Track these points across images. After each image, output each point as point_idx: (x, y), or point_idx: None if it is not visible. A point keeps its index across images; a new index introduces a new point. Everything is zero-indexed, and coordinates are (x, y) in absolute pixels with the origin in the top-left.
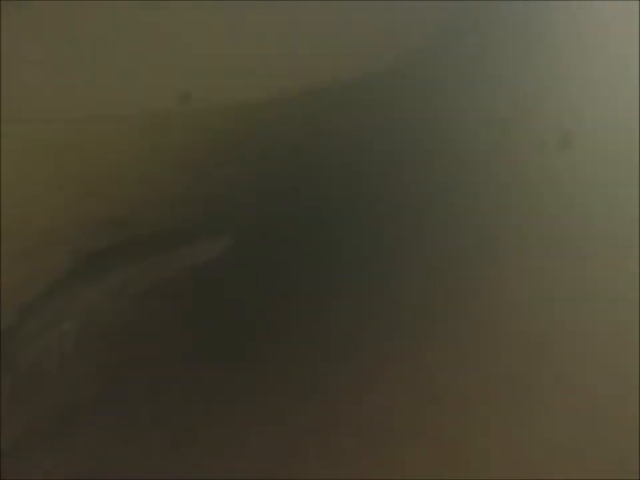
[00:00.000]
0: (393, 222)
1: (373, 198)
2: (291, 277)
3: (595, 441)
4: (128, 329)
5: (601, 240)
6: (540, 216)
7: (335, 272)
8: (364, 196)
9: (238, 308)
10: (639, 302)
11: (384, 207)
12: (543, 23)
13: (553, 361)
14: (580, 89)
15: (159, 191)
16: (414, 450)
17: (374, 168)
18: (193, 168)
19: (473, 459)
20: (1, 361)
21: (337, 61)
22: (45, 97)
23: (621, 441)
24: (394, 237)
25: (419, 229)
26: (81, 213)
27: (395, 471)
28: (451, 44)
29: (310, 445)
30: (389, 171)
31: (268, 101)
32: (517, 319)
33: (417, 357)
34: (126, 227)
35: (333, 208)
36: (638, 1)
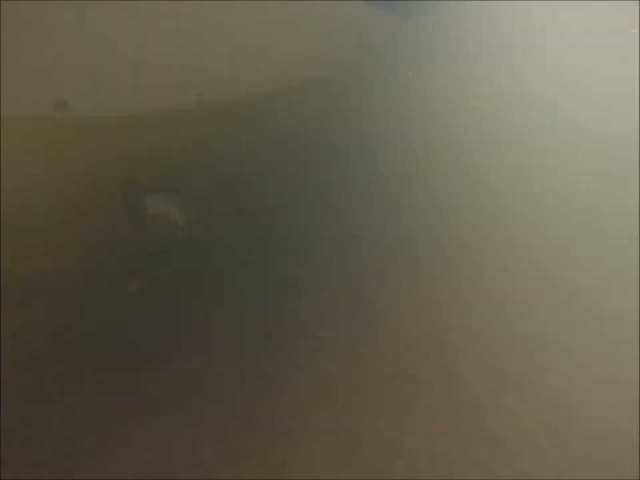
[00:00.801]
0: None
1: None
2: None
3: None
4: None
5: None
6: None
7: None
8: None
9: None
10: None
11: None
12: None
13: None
14: None
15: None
16: (307, 446)
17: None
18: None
19: (367, 452)
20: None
21: (250, 73)
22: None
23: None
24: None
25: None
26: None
27: (287, 468)
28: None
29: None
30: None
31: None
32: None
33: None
34: None
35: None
36: None
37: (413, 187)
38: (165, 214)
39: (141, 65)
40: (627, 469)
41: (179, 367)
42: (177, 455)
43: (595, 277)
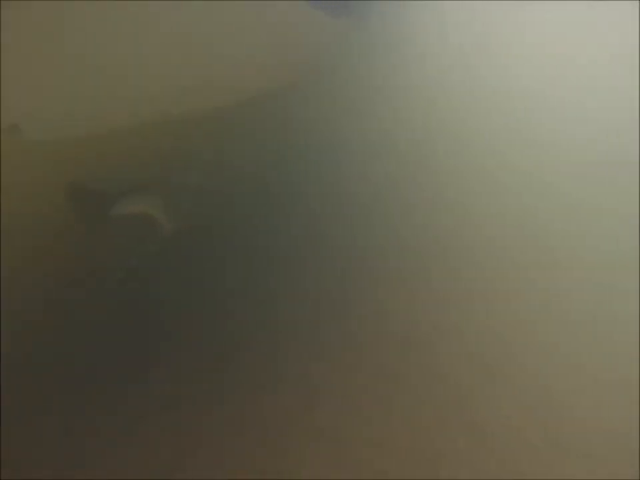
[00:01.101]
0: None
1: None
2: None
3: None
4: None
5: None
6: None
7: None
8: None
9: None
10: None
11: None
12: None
13: (422, 355)
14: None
15: None
16: (296, 447)
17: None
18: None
19: (355, 451)
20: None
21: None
22: None
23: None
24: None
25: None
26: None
27: (283, 468)
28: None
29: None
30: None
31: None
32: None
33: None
34: None
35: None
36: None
37: (384, 189)
38: (145, 213)
39: (107, 79)
40: (627, 469)
41: (173, 373)
42: (173, 456)
43: (576, 277)
